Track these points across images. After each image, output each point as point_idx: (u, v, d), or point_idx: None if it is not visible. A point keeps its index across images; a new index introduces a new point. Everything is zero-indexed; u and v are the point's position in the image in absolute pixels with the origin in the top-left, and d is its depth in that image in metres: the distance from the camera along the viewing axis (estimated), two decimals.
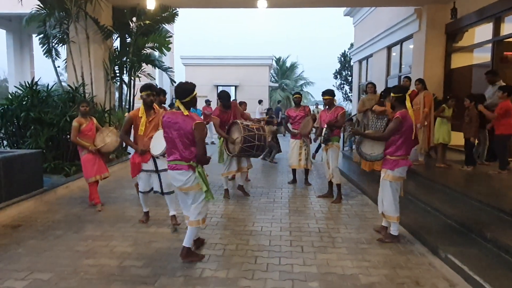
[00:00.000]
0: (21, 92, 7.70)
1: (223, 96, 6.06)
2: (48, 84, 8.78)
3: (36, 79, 8.19)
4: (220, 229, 4.71)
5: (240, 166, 6.21)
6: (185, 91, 3.55)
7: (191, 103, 3.59)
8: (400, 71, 12.26)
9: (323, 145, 6.01)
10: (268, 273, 3.44)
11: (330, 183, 6.17)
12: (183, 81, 3.77)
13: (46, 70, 14.59)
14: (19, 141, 7.68)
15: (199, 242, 4.05)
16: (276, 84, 30.25)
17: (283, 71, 34.97)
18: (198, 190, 3.59)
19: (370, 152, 4.31)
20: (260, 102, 17.65)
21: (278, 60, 33.60)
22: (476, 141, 6.94)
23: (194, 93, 3.61)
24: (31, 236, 4.38)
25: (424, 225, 4.52)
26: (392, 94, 4.26)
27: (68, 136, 7.66)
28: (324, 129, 5.72)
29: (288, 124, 7.41)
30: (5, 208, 5.10)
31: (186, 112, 3.49)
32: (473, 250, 3.69)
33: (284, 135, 15.50)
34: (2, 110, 7.43)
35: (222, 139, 6.05)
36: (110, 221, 4.93)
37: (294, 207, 5.71)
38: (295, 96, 7.18)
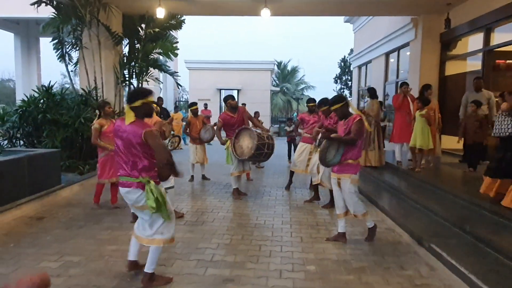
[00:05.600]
0: (38, 95, 8.18)
1: (228, 96, 6.66)
2: (62, 88, 9.27)
3: (42, 81, 8.69)
4: (226, 222, 5.17)
5: (244, 168, 6.62)
6: (136, 94, 3.18)
7: (142, 110, 3.13)
8: (397, 77, 12.73)
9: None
10: (271, 258, 3.90)
11: (316, 186, 6.24)
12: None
13: (52, 73, 15.08)
14: (35, 141, 8.15)
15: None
16: (278, 88, 30.74)
17: (284, 75, 35.54)
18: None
19: (331, 157, 4.21)
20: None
21: (279, 64, 34.15)
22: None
23: (148, 98, 3.14)
24: (55, 226, 4.84)
25: (413, 220, 4.96)
26: (337, 106, 4.26)
27: (80, 137, 8.13)
28: (320, 134, 5.98)
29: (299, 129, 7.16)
30: (29, 202, 5.56)
31: (129, 120, 3.06)
32: (453, 240, 4.14)
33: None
34: (20, 112, 7.90)
35: (229, 140, 6.49)
36: (125, 214, 5.35)
37: (294, 204, 6.17)
38: (310, 104, 6.83)
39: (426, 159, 7.47)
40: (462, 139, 6.96)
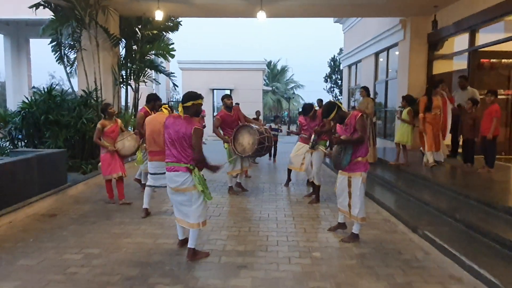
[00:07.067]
0: (39, 97, 8.31)
1: (224, 96, 6.92)
2: (62, 89, 9.41)
3: (32, 83, 8.80)
4: (232, 216, 5.45)
5: (243, 166, 6.87)
6: (188, 97, 3.71)
7: (192, 110, 3.69)
8: (387, 76, 13.16)
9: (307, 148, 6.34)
10: (278, 247, 4.19)
11: (313, 183, 6.34)
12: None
13: (40, 74, 15.08)
14: (35, 142, 8.27)
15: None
16: (269, 88, 31.06)
17: (274, 75, 35.90)
18: (195, 190, 3.67)
19: (341, 159, 4.21)
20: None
21: (269, 64, 34.45)
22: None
23: (198, 101, 3.72)
24: (69, 223, 5.04)
25: (407, 211, 5.31)
26: (333, 114, 4.22)
27: (82, 137, 8.29)
28: (313, 136, 6.05)
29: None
30: (39, 200, 5.74)
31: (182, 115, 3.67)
32: (445, 228, 4.49)
33: None
34: (23, 114, 8.03)
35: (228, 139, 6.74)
36: (134, 210, 5.59)
37: (294, 199, 6.48)
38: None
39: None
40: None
